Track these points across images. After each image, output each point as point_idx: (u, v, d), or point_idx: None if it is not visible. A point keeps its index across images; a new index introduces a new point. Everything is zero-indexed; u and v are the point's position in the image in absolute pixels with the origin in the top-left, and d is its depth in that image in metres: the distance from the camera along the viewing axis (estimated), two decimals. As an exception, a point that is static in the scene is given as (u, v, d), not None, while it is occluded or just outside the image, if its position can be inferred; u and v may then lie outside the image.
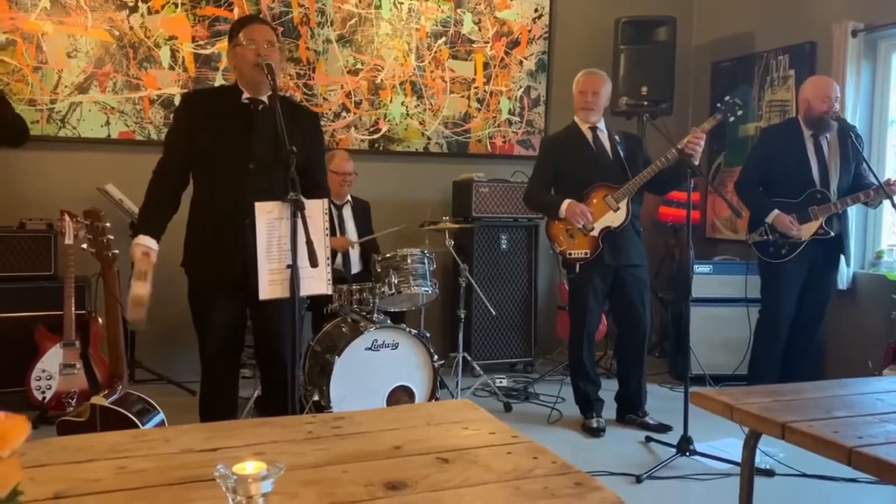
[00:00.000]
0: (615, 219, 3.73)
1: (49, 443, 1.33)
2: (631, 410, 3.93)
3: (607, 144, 3.86)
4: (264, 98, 2.73)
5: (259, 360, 3.04)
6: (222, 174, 2.71)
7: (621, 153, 3.82)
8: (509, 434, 1.43)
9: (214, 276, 2.74)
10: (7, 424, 0.74)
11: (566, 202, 3.73)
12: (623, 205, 3.72)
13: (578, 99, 3.86)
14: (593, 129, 3.86)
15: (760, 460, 3.21)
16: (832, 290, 4.19)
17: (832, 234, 3.91)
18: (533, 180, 3.98)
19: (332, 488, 1.16)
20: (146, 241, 2.65)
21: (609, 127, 3.93)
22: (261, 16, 4.76)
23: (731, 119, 3.58)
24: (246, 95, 2.73)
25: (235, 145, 2.69)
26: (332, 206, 4.24)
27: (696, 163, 3.48)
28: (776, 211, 3.93)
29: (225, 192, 2.70)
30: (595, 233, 3.73)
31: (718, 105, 3.59)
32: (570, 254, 3.78)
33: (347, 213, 4.41)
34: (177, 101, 4.37)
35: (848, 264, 4.33)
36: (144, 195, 2.77)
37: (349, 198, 4.43)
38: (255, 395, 3.77)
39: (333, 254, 4.23)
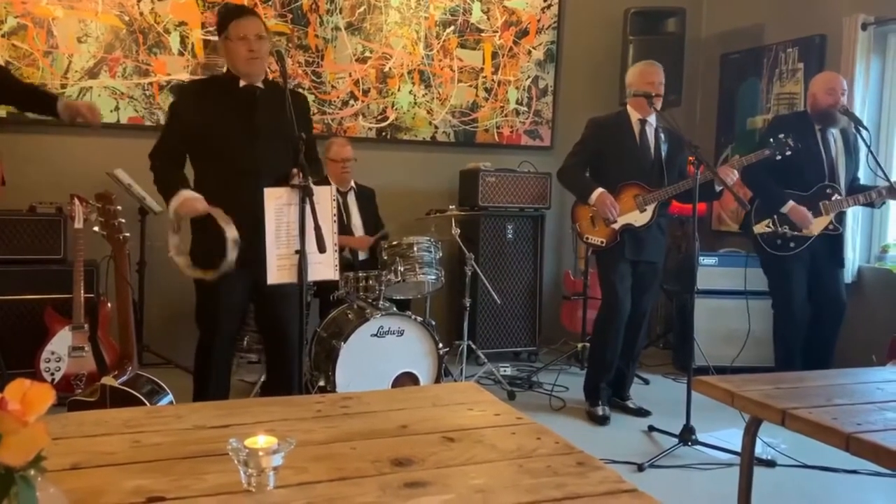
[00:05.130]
0: (639, 219, 3.76)
1: (65, 417, 1.37)
2: (615, 393, 4.01)
3: (652, 142, 3.81)
4: (259, 84, 2.86)
5: (266, 343, 3.07)
6: (231, 156, 2.77)
7: (663, 153, 3.81)
8: (513, 415, 1.46)
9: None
10: (33, 391, 0.77)
11: (598, 191, 3.72)
12: (650, 208, 3.74)
13: (645, 89, 3.66)
14: (643, 122, 3.81)
15: (762, 451, 3.24)
16: (842, 283, 4.12)
17: (841, 230, 3.90)
18: (572, 156, 3.91)
19: (341, 464, 1.18)
20: (192, 193, 2.70)
21: (659, 122, 3.84)
22: (270, 2, 4.78)
23: (779, 157, 3.62)
24: (242, 83, 2.83)
25: (243, 128, 2.78)
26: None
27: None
28: (791, 202, 3.87)
29: (235, 173, 2.75)
30: (616, 226, 3.77)
31: (771, 140, 3.60)
32: (587, 238, 3.87)
33: (352, 199, 4.42)
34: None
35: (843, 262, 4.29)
36: (155, 175, 2.84)
37: (353, 184, 4.44)
38: (262, 380, 3.80)
39: (350, 250, 4.26)
